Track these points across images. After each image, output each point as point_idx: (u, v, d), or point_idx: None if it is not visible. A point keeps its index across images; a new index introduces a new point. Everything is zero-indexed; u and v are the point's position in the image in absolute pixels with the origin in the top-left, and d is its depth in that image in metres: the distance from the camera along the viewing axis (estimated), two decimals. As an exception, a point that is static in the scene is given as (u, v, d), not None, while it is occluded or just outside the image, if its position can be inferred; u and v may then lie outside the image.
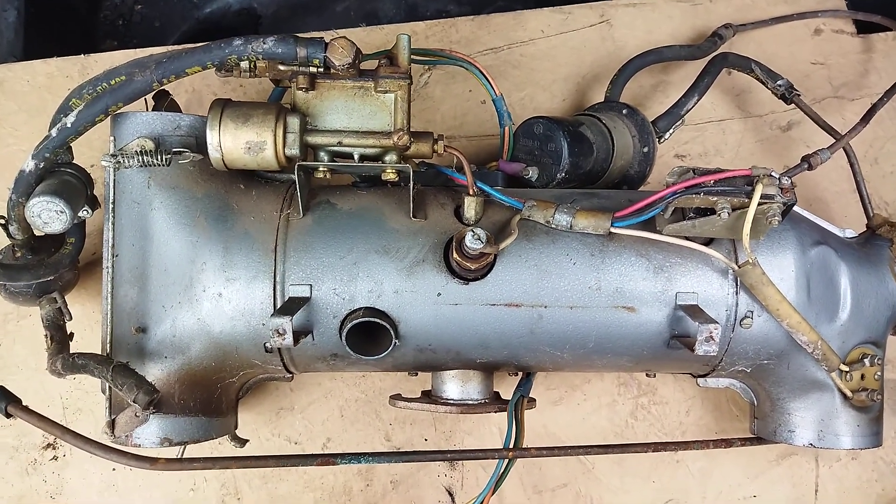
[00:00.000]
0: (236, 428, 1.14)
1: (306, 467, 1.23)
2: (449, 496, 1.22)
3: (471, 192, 1.02)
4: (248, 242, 1.01)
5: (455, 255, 0.95)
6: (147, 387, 0.96)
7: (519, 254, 1.01)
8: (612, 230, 1.00)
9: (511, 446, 1.03)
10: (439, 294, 1.00)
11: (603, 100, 1.32)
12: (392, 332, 0.99)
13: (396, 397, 1.12)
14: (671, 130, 1.28)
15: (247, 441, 1.15)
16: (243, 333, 1.01)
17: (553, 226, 1.02)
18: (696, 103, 1.27)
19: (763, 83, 1.37)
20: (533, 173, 1.15)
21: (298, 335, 0.97)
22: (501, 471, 1.03)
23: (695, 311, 0.99)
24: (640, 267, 1.01)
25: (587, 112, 1.26)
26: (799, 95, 1.34)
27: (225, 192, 1.05)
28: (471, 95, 1.40)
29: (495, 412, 1.09)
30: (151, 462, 0.87)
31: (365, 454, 0.97)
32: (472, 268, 0.95)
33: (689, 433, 1.26)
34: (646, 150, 1.24)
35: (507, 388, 1.22)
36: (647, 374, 1.17)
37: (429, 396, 1.14)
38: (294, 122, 0.95)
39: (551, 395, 1.26)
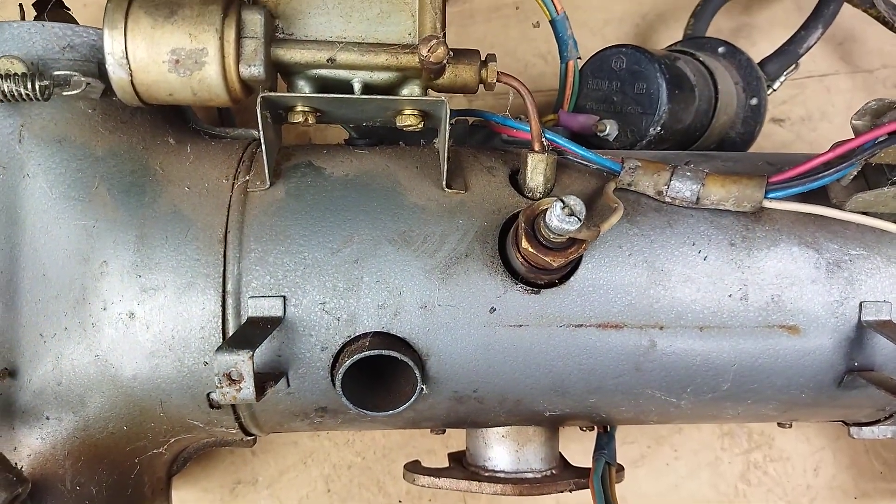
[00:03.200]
0: (169, 519, 0.74)
1: (276, 566, 0.83)
2: None
3: (536, 148, 0.64)
4: (179, 227, 0.62)
5: (524, 244, 0.57)
6: (6, 474, 0.56)
7: (619, 244, 0.64)
8: (766, 204, 0.63)
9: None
10: (493, 310, 0.62)
11: (682, 38, 0.96)
12: (417, 372, 0.60)
13: (414, 468, 0.74)
14: (783, 77, 0.93)
15: (185, 538, 0.75)
16: (172, 378, 0.62)
17: (668, 198, 0.65)
18: (819, 38, 0.92)
19: (888, 23, 1.03)
20: (610, 128, 0.78)
21: (265, 381, 0.59)
22: None
23: (892, 330, 0.63)
24: (805, 263, 0.64)
25: (674, 49, 0.90)
26: (938, 37, 1.00)
27: (143, 149, 0.65)
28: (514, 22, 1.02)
29: (569, 491, 0.71)
30: None
31: None
32: (554, 265, 0.57)
33: (821, 499, 0.90)
34: (754, 102, 0.89)
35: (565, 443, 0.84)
36: (778, 424, 0.80)
37: (462, 464, 0.76)
38: (255, 19, 0.57)
39: (629, 452, 0.89)
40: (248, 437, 0.73)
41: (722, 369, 0.65)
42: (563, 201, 0.53)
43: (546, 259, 0.57)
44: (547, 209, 0.55)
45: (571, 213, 0.53)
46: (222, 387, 0.55)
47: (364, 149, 0.70)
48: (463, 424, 0.72)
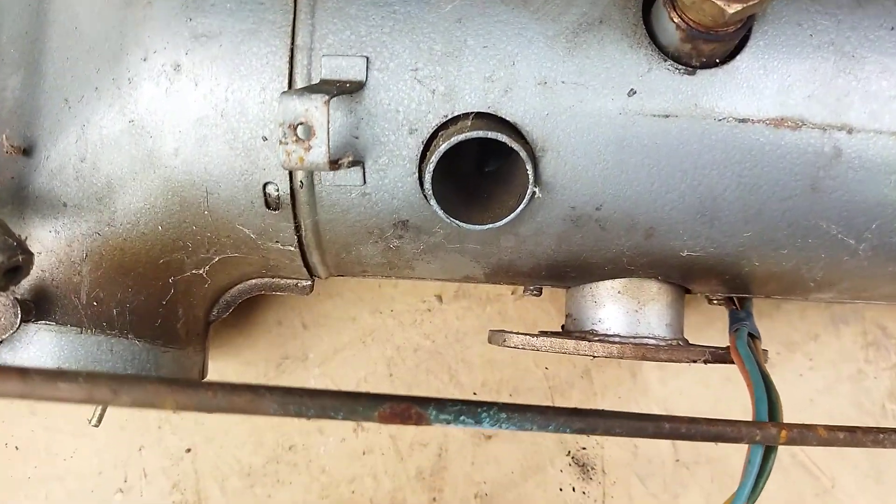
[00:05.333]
0: (203, 377, 0.62)
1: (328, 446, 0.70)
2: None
3: None
4: (241, -35, 0.50)
5: (685, -10, 0.43)
6: (4, 238, 0.44)
7: (797, 21, 0.49)
8: None
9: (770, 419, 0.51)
10: (633, 92, 0.48)
11: None
12: (529, 166, 0.47)
13: (502, 332, 0.60)
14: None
15: (221, 402, 0.62)
16: (222, 158, 0.50)
17: (861, -28, 0.50)
18: None
19: None
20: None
21: (339, 156, 0.46)
22: (759, 467, 0.49)
23: None
24: None
25: None
26: None
27: None
28: None
29: (703, 362, 0.57)
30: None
31: (485, 407, 0.42)
32: (728, 13, 0.43)
33: None
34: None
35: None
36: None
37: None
38: None
39: (754, 357, 0.73)
40: (306, 282, 0.61)
41: (924, 195, 0.50)
42: None
43: (719, 4, 0.43)
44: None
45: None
46: (287, 143, 0.43)
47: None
48: (571, 270, 0.57)
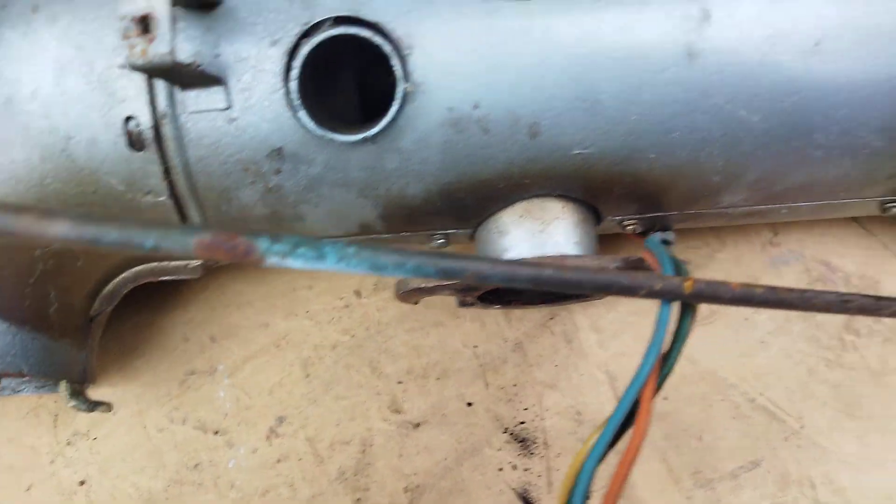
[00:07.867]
0: (85, 381, 0.56)
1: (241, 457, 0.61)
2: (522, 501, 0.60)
3: None
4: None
5: None
6: None
7: None
8: None
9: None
10: (491, -20, 0.48)
11: None
12: (396, 61, 0.46)
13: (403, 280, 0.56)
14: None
15: (107, 407, 0.56)
16: (80, 94, 0.48)
17: None
18: None
19: None
20: None
21: (193, 63, 0.45)
22: (674, 334, 0.44)
23: None
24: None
25: None
26: None
27: None
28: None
29: (615, 268, 0.53)
30: None
31: (330, 242, 0.37)
32: None
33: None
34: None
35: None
36: (882, 209, 0.62)
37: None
38: None
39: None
40: (196, 261, 0.57)
41: (797, 51, 0.49)
42: None
43: None
44: None
45: None
46: (130, 36, 0.41)
47: None
48: (465, 194, 0.54)
